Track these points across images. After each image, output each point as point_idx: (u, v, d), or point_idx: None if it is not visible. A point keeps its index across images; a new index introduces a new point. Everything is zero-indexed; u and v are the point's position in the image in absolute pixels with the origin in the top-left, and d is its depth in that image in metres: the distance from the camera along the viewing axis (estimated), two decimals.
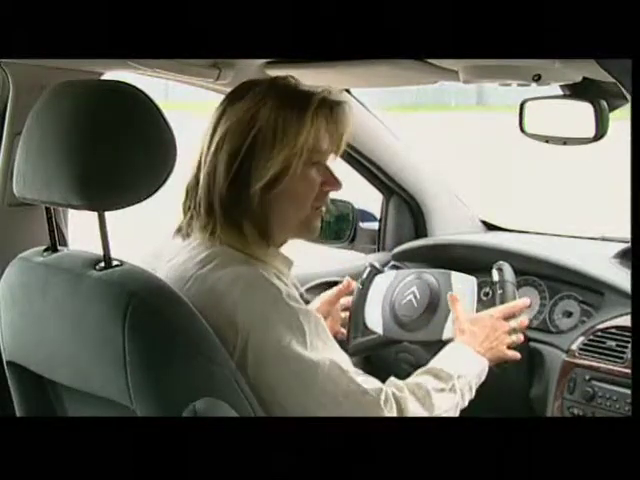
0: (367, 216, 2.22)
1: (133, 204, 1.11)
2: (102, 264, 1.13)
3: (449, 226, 2.23)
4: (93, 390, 1.15)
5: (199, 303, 1.13)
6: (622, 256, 1.82)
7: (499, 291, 1.61)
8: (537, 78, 1.42)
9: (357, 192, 2.04)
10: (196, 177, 1.27)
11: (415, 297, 1.71)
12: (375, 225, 2.26)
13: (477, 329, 1.48)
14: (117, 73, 1.65)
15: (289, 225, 1.30)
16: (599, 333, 1.64)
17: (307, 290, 1.79)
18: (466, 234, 2.18)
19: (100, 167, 1.08)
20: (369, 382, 1.25)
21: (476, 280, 1.68)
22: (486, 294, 1.84)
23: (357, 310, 1.76)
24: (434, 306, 1.68)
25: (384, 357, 1.90)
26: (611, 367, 1.59)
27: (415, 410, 1.27)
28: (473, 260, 1.92)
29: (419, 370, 1.39)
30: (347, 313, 1.73)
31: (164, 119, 1.11)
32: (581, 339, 1.66)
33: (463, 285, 1.68)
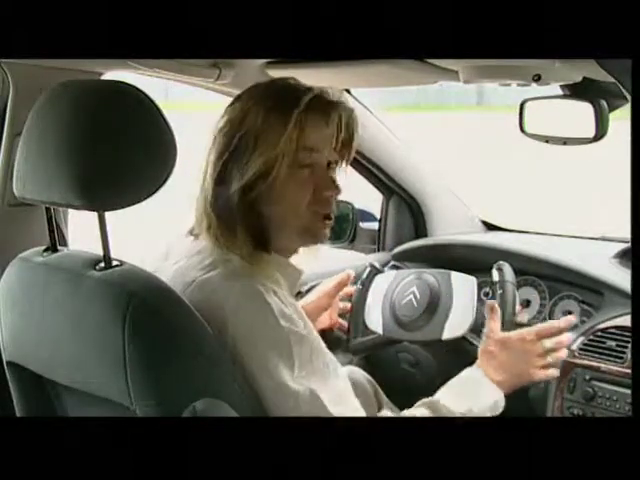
0: (367, 216, 2.22)
1: (133, 204, 1.10)
2: (102, 264, 1.13)
3: (449, 226, 2.23)
4: (93, 390, 1.15)
5: (196, 309, 1.13)
6: (622, 256, 1.82)
7: (499, 291, 1.61)
8: (537, 78, 1.42)
9: (357, 192, 2.04)
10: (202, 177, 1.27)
11: (415, 297, 1.71)
12: (375, 225, 2.26)
13: (506, 355, 1.38)
14: (117, 73, 1.65)
15: (288, 231, 1.26)
16: (599, 333, 1.65)
17: (307, 291, 1.79)
18: (466, 234, 2.18)
19: (100, 167, 1.08)
20: (356, 412, 1.21)
21: (476, 280, 1.68)
22: (486, 294, 1.85)
23: (357, 310, 1.76)
24: (434, 306, 1.68)
25: (384, 357, 1.90)
26: (611, 367, 1.59)
27: None
28: (473, 260, 1.92)
29: (421, 401, 1.32)
30: (346, 303, 1.73)
31: (164, 119, 1.11)
32: (581, 339, 1.66)
33: (463, 285, 1.69)
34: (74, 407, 1.26)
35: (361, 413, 1.22)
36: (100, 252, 1.14)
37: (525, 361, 1.38)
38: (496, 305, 1.47)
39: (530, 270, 1.86)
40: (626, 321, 1.61)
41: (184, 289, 1.19)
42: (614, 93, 1.52)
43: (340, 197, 1.31)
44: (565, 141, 1.61)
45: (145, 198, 1.11)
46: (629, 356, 1.57)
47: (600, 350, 1.62)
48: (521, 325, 1.79)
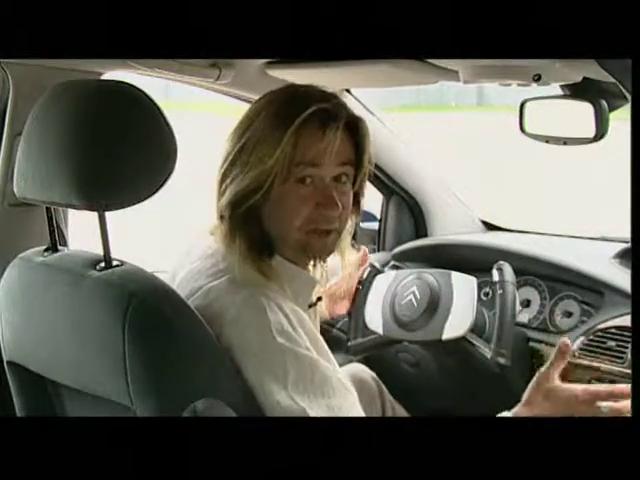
0: (367, 216, 2.22)
1: (133, 204, 1.11)
2: (102, 264, 1.13)
3: (449, 226, 2.23)
4: (93, 390, 1.15)
5: (199, 314, 1.13)
6: (622, 256, 1.82)
7: (499, 291, 1.62)
8: (537, 78, 1.42)
9: None
10: None
11: (415, 297, 1.71)
12: (375, 225, 2.26)
13: (549, 405, 1.22)
14: (117, 73, 1.65)
15: (287, 244, 1.24)
16: (599, 333, 1.65)
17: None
18: (466, 234, 2.18)
19: (100, 167, 1.08)
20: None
21: (476, 280, 1.68)
22: (486, 294, 1.85)
23: (357, 310, 1.76)
24: (434, 306, 1.68)
25: (384, 357, 1.90)
26: (611, 367, 1.59)
27: None
28: (473, 260, 1.92)
29: None
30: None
31: (164, 119, 1.11)
32: (581, 339, 1.66)
33: (463, 285, 1.69)
34: (74, 407, 1.27)
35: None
36: (100, 252, 1.14)
37: (567, 415, 1.22)
38: (570, 346, 1.27)
39: (530, 270, 1.86)
40: (626, 321, 1.61)
41: (191, 294, 1.19)
42: (614, 93, 1.52)
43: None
44: (565, 141, 1.61)
45: (145, 198, 1.11)
46: (629, 356, 1.57)
47: (600, 350, 1.62)
48: (521, 325, 1.80)
